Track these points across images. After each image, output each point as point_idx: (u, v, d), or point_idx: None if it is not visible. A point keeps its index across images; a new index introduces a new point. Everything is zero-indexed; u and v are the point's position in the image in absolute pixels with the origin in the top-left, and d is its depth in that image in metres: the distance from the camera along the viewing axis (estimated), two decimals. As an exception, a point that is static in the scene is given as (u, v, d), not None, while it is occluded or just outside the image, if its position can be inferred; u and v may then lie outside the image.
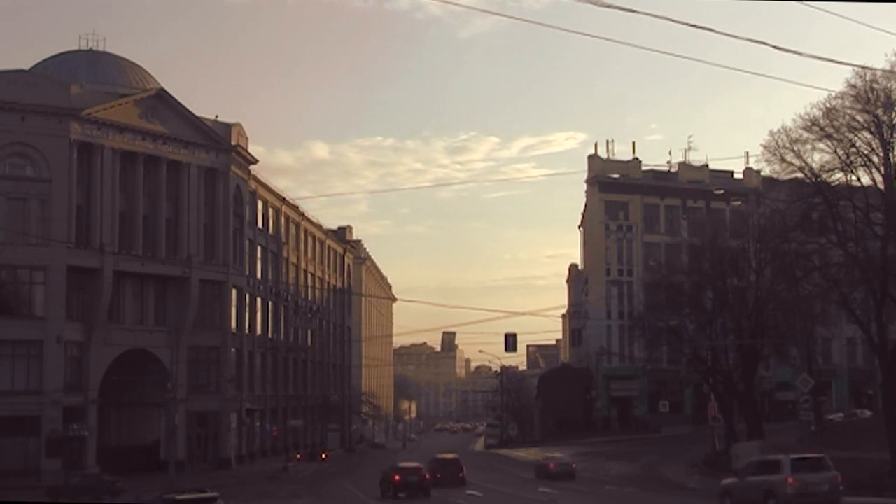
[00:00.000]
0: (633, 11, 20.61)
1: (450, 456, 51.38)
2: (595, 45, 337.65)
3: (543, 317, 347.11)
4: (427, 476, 42.42)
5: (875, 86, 39.16)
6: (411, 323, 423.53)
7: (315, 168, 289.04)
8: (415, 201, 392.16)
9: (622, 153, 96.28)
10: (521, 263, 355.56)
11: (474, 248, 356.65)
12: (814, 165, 41.55)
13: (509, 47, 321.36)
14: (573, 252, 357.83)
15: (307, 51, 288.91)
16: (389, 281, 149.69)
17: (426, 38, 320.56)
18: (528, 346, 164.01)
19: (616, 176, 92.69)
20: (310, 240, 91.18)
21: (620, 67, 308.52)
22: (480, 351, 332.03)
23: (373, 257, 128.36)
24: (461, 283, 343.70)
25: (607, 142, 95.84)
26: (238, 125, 69.00)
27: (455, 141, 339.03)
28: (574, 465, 52.63)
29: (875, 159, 40.40)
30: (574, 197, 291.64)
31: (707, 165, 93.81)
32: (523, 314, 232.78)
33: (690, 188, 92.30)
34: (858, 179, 41.02)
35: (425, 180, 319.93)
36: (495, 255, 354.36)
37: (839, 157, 40.86)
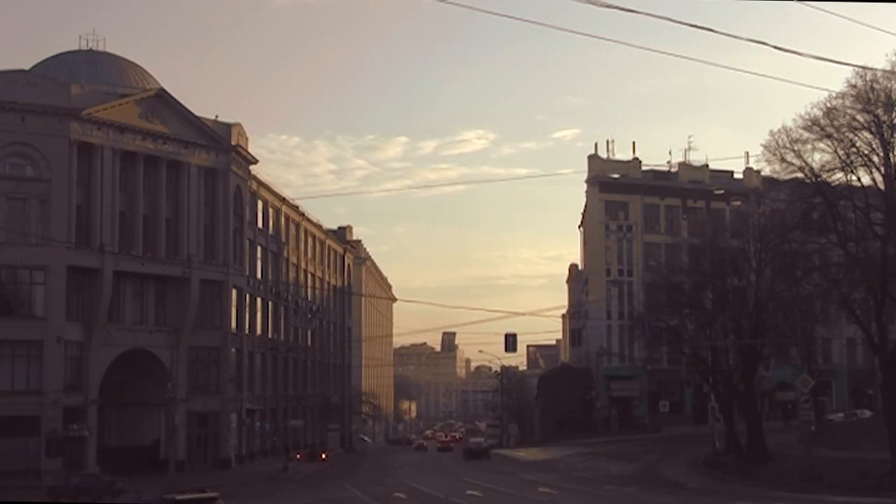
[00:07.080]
0: (634, 11, 20.56)
1: None
2: (507, 38, 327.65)
3: (543, 317, 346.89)
4: None
5: (875, 86, 39.19)
6: (411, 323, 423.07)
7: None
8: (349, 202, 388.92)
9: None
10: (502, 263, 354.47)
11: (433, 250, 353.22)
12: (814, 165, 41.58)
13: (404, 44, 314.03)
14: (529, 253, 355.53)
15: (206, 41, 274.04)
16: (389, 281, 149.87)
17: (324, 29, 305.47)
18: (528, 346, 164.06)
19: (616, 176, 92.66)
20: (310, 240, 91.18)
21: (530, 62, 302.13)
22: (480, 351, 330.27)
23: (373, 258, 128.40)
24: (461, 283, 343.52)
25: (607, 142, 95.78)
26: (238, 125, 68.99)
27: (363, 141, 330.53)
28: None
29: (875, 159, 40.43)
30: (559, 196, 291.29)
31: (707, 165, 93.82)
32: (523, 314, 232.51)
33: (690, 188, 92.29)
34: (858, 179, 41.05)
35: (349, 181, 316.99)
36: (463, 256, 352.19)
37: (839, 157, 40.89)
